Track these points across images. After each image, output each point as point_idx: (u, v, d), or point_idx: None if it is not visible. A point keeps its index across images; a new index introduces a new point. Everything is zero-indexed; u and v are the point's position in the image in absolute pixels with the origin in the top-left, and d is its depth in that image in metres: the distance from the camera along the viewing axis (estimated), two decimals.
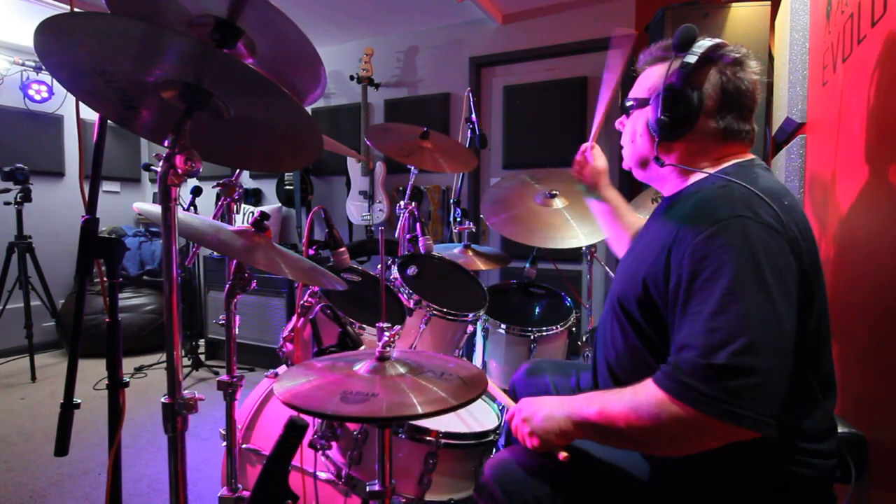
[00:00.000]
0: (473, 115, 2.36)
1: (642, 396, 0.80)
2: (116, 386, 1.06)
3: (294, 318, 1.42)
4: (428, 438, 1.21)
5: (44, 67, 2.23)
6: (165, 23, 0.91)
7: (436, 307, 1.63)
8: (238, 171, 1.45)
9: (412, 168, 2.09)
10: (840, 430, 0.94)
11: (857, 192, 1.26)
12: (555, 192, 1.95)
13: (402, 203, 2.09)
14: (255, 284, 1.25)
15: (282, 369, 1.49)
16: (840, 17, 1.40)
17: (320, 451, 1.24)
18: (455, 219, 2.39)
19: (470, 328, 1.78)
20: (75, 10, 0.89)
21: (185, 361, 3.58)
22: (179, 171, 0.85)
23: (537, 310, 2.11)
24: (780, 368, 0.75)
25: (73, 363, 1.05)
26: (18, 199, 3.41)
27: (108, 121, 1.04)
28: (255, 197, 4.57)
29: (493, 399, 1.53)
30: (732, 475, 0.87)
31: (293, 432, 0.95)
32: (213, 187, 1.45)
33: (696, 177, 1.00)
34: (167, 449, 0.90)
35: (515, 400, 1.33)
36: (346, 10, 3.67)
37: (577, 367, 1.33)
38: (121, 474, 1.09)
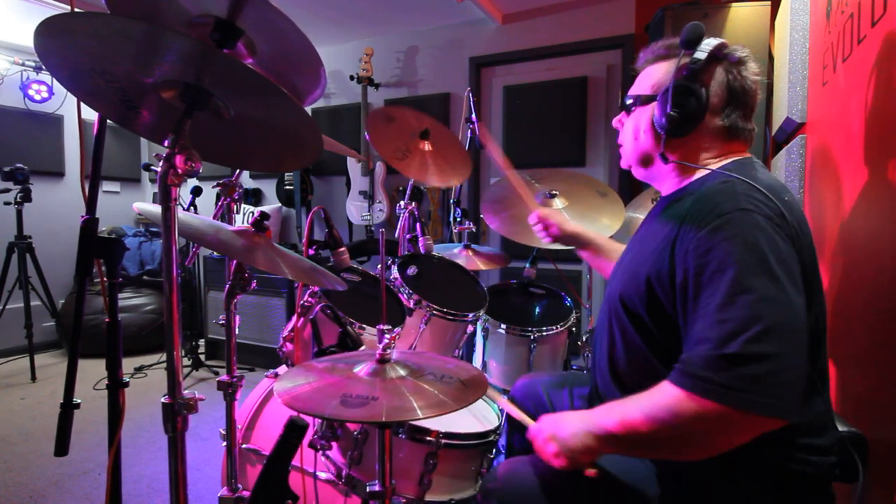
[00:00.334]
0: (473, 116, 2.36)
1: (659, 398, 0.79)
2: (116, 386, 1.06)
3: (294, 318, 1.42)
4: (428, 439, 1.21)
5: (44, 67, 2.23)
6: (165, 23, 0.91)
7: (436, 307, 1.63)
8: (238, 171, 1.45)
9: (410, 177, 2.08)
10: (840, 429, 0.94)
11: (857, 192, 1.26)
12: (555, 192, 1.95)
13: (402, 203, 2.09)
14: (255, 284, 1.25)
15: (282, 369, 1.49)
16: (840, 17, 1.40)
17: (320, 451, 1.24)
18: (455, 219, 2.39)
19: (470, 328, 1.78)
20: (75, 10, 0.89)
21: (185, 361, 3.58)
22: (179, 171, 0.85)
23: (537, 310, 2.11)
24: (797, 352, 0.74)
25: (73, 363, 1.05)
26: (18, 199, 3.41)
27: (108, 121, 1.04)
28: (255, 197, 4.57)
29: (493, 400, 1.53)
30: (731, 473, 0.87)
31: (293, 432, 0.95)
32: (213, 187, 1.45)
33: (697, 175, 1.00)
34: (167, 449, 0.90)
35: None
36: (345, 10, 3.67)
37: (571, 382, 1.30)
38: (121, 474, 1.09)
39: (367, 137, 1.96)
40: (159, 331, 4.09)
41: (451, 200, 2.48)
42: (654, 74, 1.04)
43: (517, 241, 1.89)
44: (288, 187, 4.24)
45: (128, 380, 1.08)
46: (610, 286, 1.07)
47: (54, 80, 4.03)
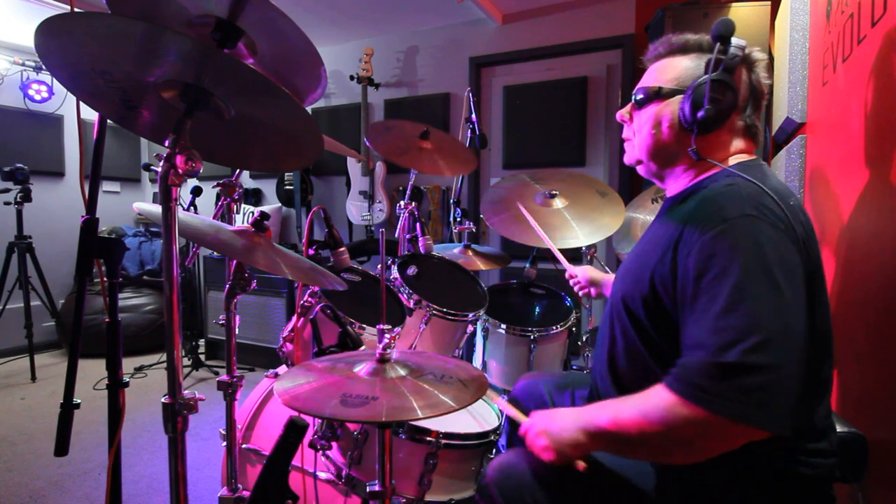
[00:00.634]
0: (473, 115, 2.36)
1: (652, 401, 0.79)
2: (116, 386, 1.06)
3: (294, 318, 1.42)
4: (428, 439, 1.21)
5: (44, 67, 2.23)
6: (165, 23, 0.91)
7: (436, 307, 1.63)
8: (238, 171, 1.45)
9: (412, 168, 2.09)
10: (840, 429, 0.95)
11: (857, 192, 1.26)
12: (555, 192, 1.95)
13: (402, 203, 2.09)
14: (255, 284, 1.25)
15: (282, 369, 1.49)
16: (840, 17, 1.40)
17: (320, 452, 1.24)
18: (455, 219, 2.39)
19: (470, 328, 1.78)
20: (75, 10, 0.89)
21: (185, 361, 3.58)
22: (180, 171, 0.85)
23: (537, 310, 2.11)
24: (793, 366, 0.74)
25: (73, 363, 1.05)
26: (18, 199, 3.40)
27: (108, 121, 1.04)
28: (255, 197, 4.56)
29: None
30: (733, 475, 0.87)
31: (293, 432, 0.95)
32: (213, 187, 1.45)
33: (703, 175, 0.99)
34: (167, 449, 0.90)
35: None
36: (346, 10, 3.67)
37: (574, 383, 1.30)
38: (121, 474, 1.09)
39: (368, 144, 1.97)
40: (159, 331, 4.09)
41: (451, 200, 2.49)
42: (673, 68, 1.00)
43: (517, 241, 1.89)
44: (288, 187, 4.24)
45: (128, 380, 1.08)
46: (613, 288, 1.07)
47: (54, 80, 4.03)
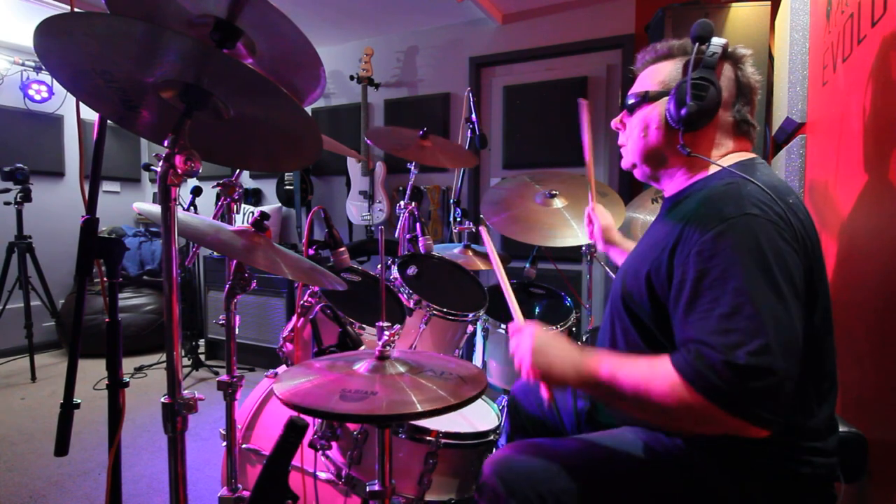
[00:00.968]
0: (473, 115, 2.36)
1: (659, 372, 0.79)
2: (116, 386, 1.06)
3: (294, 318, 1.42)
4: (428, 438, 1.21)
5: (44, 67, 2.23)
6: (165, 23, 0.91)
7: (436, 307, 1.63)
8: (238, 171, 1.45)
9: (412, 168, 2.09)
10: (840, 429, 0.94)
11: (857, 192, 1.26)
12: (555, 192, 1.95)
13: (402, 203, 2.09)
14: (255, 284, 1.25)
15: (282, 369, 1.49)
16: (840, 17, 1.40)
17: (320, 451, 1.24)
18: (455, 219, 2.39)
19: (470, 328, 1.78)
20: (75, 10, 0.89)
21: (185, 361, 3.58)
22: (179, 171, 0.85)
23: (537, 310, 2.11)
24: (792, 369, 0.75)
25: (73, 363, 1.05)
26: (18, 199, 3.41)
27: (108, 121, 1.04)
28: (255, 197, 4.56)
29: (493, 399, 1.52)
30: (735, 474, 0.87)
31: (293, 432, 0.95)
32: (213, 187, 1.45)
33: (701, 174, 1.00)
34: (167, 449, 0.90)
35: (518, 414, 1.32)
36: (345, 10, 3.67)
37: None
38: (121, 474, 1.09)
39: (368, 142, 1.97)
40: (159, 331, 4.09)
41: (451, 200, 2.48)
42: (659, 72, 1.05)
43: (517, 241, 1.89)
44: (288, 187, 4.24)
45: (128, 380, 1.08)
46: (614, 285, 1.07)
47: (54, 80, 4.02)
